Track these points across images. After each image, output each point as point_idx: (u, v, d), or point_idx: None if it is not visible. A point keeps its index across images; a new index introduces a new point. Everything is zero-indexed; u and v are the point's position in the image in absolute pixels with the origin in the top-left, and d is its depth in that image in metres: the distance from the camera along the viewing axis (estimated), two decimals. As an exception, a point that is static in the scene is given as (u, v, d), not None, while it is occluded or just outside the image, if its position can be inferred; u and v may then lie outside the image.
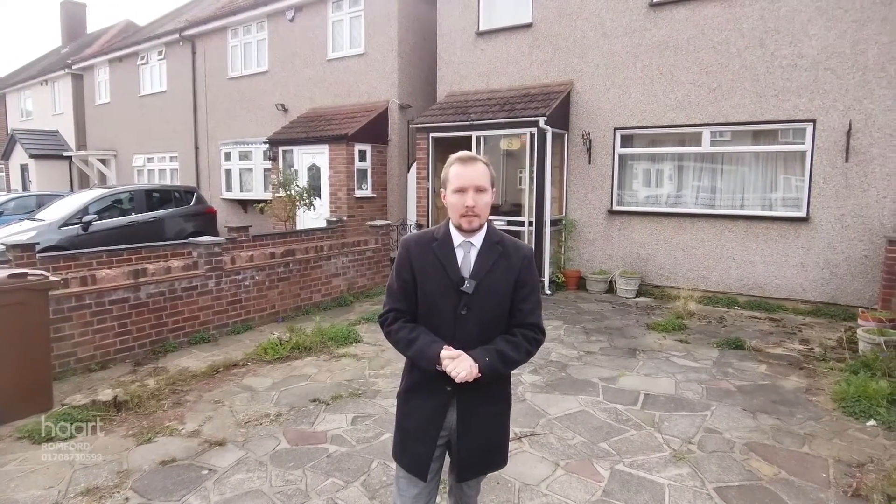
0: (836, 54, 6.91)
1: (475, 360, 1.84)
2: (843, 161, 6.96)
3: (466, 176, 1.88)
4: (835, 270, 7.11)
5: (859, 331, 5.37)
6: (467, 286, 1.90)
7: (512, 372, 2.06)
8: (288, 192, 10.27)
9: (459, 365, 1.82)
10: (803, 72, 7.12)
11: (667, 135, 8.32)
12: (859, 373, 4.61)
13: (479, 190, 1.89)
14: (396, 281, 2.02)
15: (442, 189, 1.99)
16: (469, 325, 1.91)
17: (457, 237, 1.96)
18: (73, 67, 19.34)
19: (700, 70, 7.81)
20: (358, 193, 11.10)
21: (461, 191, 1.88)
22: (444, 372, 1.84)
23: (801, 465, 3.40)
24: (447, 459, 2.14)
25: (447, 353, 1.85)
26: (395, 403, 2.14)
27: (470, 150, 9.05)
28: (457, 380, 1.82)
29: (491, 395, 2.00)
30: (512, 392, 2.17)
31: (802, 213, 7.30)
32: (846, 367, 4.91)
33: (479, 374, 1.84)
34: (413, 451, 2.00)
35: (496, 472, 3.28)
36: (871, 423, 3.94)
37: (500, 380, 2.01)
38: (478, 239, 1.96)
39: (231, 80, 14.25)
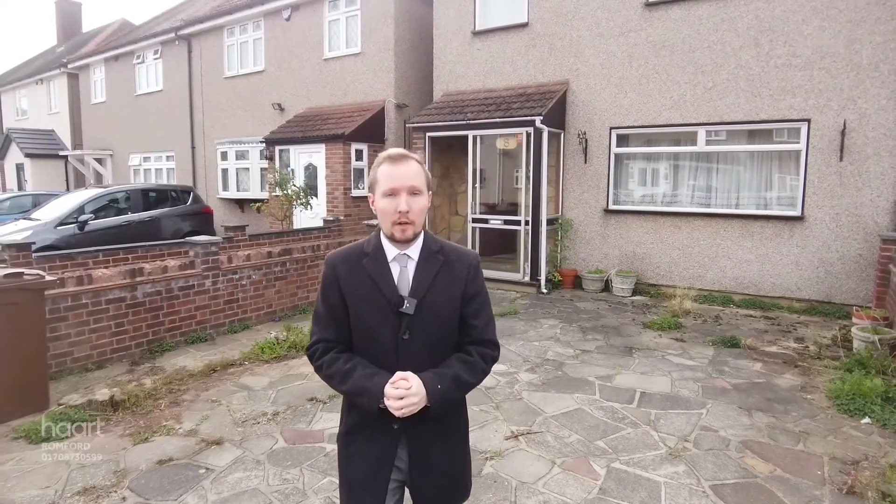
0: (830, 54, 6.94)
1: (425, 386, 1.58)
2: (838, 160, 7.00)
3: (398, 176, 1.63)
4: (829, 269, 7.15)
5: (854, 329, 5.40)
6: (407, 307, 1.63)
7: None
8: (284, 192, 10.25)
9: (405, 400, 1.55)
10: (798, 71, 7.15)
11: (662, 134, 8.35)
12: (854, 371, 4.65)
13: (414, 192, 1.63)
14: (323, 306, 1.73)
15: (370, 194, 1.72)
16: (414, 351, 1.65)
17: (390, 250, 1.69)
18: (69, 66, 19.25)
19: (695, 69, 7.84)
20: (355, 193, 11.10)
21: (392, 194, 1.62)
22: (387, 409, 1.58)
23: (796, 463, 3.42)
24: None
25: (394, 384, 1.57)
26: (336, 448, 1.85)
27: (467, 149, 9.14)
28: (397, 415, 1.56)
29: (445, 426, 1.74)
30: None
31: (797, 212, 7.34)
32: (841, 365, 4.95)
33: (427, 405, 1.59)
34: None
35: (493, 471, 3.32)
36: (866, 420, 3.97)
37: (452, 408, 1.74)
38: (414, 250, 1.69)
39: (227, 80, 14.22)
